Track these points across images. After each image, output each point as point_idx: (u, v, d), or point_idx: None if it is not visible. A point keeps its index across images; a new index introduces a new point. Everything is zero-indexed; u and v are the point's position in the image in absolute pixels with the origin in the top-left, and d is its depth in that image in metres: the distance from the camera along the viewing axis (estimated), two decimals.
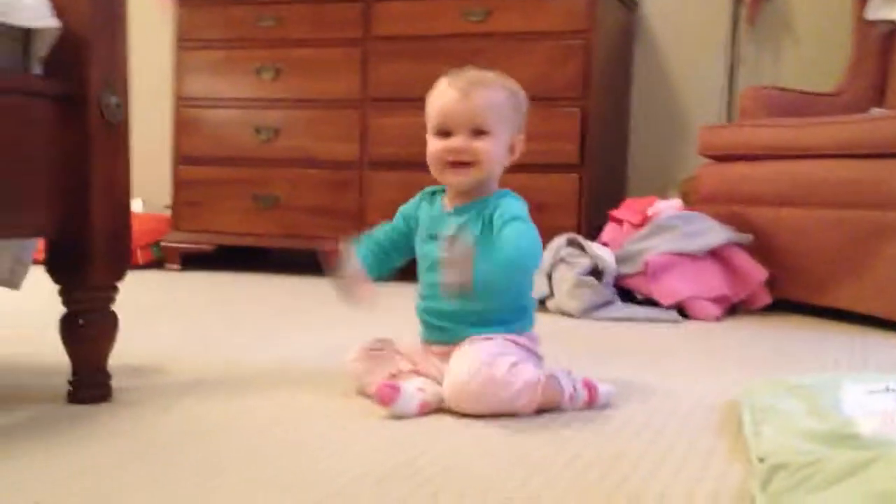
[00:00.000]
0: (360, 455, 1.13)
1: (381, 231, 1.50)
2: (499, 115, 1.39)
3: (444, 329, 1.41)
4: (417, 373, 1.41)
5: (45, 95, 1.30)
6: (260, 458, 1.10)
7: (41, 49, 1.33)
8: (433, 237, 1.43)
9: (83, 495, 0.96)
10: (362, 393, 1.41)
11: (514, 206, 1.39)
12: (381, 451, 1.14)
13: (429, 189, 1.49)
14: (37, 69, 1.34)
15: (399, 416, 1.29)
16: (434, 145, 1.40)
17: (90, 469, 1.05)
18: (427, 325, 1.45)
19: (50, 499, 0.95)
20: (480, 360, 1.31)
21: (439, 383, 1.36)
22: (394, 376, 1.38)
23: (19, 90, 1.28)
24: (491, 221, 1.37)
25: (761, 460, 1.04)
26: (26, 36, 1.31)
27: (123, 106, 1.38)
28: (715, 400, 1.45)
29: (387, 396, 1.29)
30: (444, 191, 1.46)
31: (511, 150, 1.43)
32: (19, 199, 1.27)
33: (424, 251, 1.45)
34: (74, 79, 1.32)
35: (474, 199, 1.41)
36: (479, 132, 1.38)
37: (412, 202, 1.50)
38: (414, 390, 1.32)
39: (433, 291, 1.40)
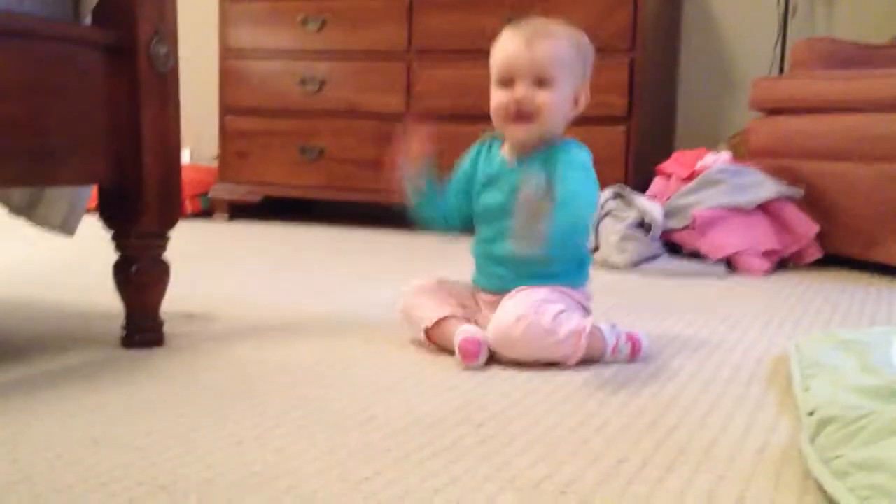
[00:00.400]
0: (411, 401, 1.14)
1: (449, 189, 1.46)
2: (563, 65, 1.37)
3: (499, 276, 1.41)
4: (467, 319, 1.40)
5: (96, 45, 1.32)
6: (311, 403, 1.12)
7: (91, 0, 1.34)
8: (493, 185, 1.42)
9: (137, 436, 0.99)
10: (407, 323, 1.43)
11: (579, 156, 1.37)
12: (432, 398, 1.15)
13: (485, 137, 1.47)
14: (87, 20, 1.35)
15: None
16: (497, 97, 1.39)
17: (144, 410, 1.08)
18: (482, 270, 1.45)
19: (103, 438, 0.97)
20: (527, 305, 1.31)
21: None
22: (442, 321, 1.38)
23: (71, 39, 1.29)
24: (554, 173, 1.34)
25: (810, 414, 1.03)
26: None
27: (172, 56, 1.38)
28: (764, 354, 1.44)
29: (469, 353, 1.30)
30: (500, 139, 1.44)
31: (575, 101, 1.41)
32: (72, 146, 1.29)
33: (485, 200, 1.43)
34: (124, 29, 1.33)
35: (537, 149, 1.39)
36: (542, 82, 1.36)
37: (468, 157, 1.48)
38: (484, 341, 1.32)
39: (494, 235, 1.40)
